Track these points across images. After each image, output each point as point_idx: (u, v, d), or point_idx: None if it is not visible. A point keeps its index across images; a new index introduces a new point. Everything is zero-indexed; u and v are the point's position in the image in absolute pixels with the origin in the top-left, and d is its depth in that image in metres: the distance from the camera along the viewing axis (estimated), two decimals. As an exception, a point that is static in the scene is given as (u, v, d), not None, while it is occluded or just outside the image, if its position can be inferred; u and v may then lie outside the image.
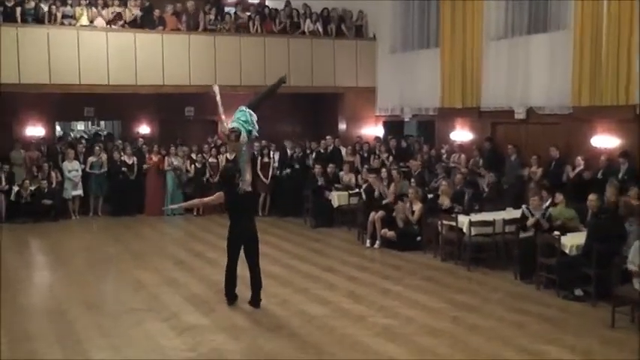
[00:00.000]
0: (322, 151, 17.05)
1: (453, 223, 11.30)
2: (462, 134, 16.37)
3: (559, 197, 10.52)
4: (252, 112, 8.62)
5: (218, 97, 8.83)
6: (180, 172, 16.69)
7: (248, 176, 8.50)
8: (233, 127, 8.30)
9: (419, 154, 16.08)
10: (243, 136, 8.27)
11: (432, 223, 12.09)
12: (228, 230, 8.75)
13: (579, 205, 10.38)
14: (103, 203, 16.72)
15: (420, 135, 18.48)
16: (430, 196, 13.16)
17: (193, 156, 17.06)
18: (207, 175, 16.55)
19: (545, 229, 10.03)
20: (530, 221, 10.25)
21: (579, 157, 12.55)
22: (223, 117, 8.65)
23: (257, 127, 8.59)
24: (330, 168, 15.70)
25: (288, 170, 16.44)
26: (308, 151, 17.26)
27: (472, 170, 14.51)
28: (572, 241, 9.35)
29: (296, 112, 20.47)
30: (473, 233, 10.91)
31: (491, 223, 10.96)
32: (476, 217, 11.32)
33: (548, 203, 10.68)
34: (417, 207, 12.50)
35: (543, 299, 9.19)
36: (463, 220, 11.12)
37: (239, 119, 8.50)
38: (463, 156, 15.26)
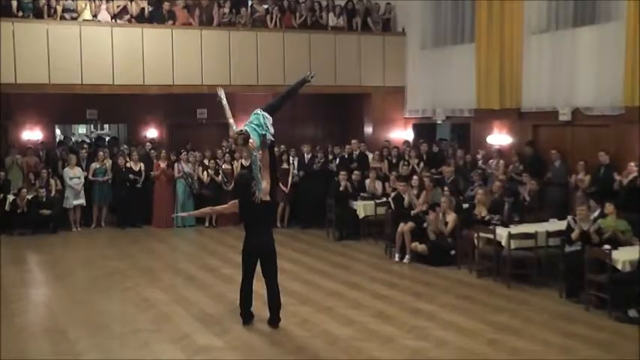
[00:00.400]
0: (347, 156, 17.09)
1: (491, 236, 11.28)
2: (500, 138, 16.31)
3: (609, 207, 10.43)
4: (266, 115, 8.61)
5: (224, 102, 8.87)
6: (191, 179, 16.78)
7: (265, 184, 8.46)
8: (241, 130, 8.28)
9: (452, 159, 16.06)
10: (253, 140, 8.21)
11: (467, 236, 12.06)
12: (243, 243, 8.75)
13: (632, 215, 10.30)
14: (107, 214, 16.84)
15: (453, 139, 18.46)
16: (465, 205, 13.14)
17: (206, 162, 17.17)
18: (221, 182, 16.64)
19: (594, 242, 9.93)
20: (577, 233, 10.13)
21: (632, 164, 12.33)
22: (231, 120, 8.69)
23: (272, 130, 8.53)
24: (356, 175, 15.68)
25: (301, 173, 16.62)
26: (331, 157, 17.31)
27: (511, 177, 14.45)
28: (625, 255, 9.28)
29: (318, 114, 20.50)
30: (513, 247, 10.86)
31: (533, 236, 10.89)
32: (516, 228, 11.27)
33: (597, 214, 10.59)
34: (451, 218, 12.44)
35: (593, 321, 9.11)
36: (502, 233, 11.10)
37: (251, 123, 8.51)
38: (501, 162, 15.18)
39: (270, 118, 8.61)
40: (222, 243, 14.76)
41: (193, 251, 14.35)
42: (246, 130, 8.30)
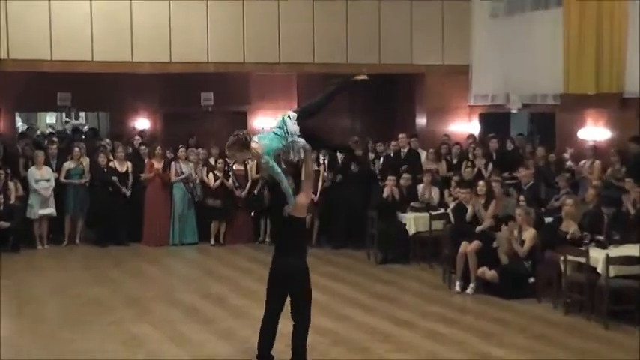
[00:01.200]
0: (393, 155, 17.18)
1: (583, 259, 11.15)
2: (595, 132, 16.24)
3: None
4: (291, 117, 8.54)
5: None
6: (193, 184, 16.92)
7: (303, 199, 8.50)
8: (236, 133, 8.44)
9: (531, 159, 16.05)
10: (259, 145, 8.21)
11: (550, 259, 11.95)
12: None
13: None
14: (84, 227, 16.95)
15: (532, 133, 18.55)
16: (548, 219, 13.04)
17: (212, 162, 17.27)
18: (232, 187, 16.82)
19: None
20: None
21: None
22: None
23: (295, 138, 8.48)
24: (405, 179, 15.72)
25: (338, 177, 16.63)
26: (372, 156, 17.38)
27: (610, 183, 14.31)
28: None
29: (356, 101, 20.44)
30: (612, 274, 10.69)
31: (639, 260, 10.74)
32: (616, 250, 11.13)
33: None
34: (529, 235, 12.35)
35: None
36: (597, 255, 10.96)
37: (275, 128, 8.56)
38: (597, 163, 15.13)
39: (293, 125, 8.49)
40: (231, 266, 14.85)
41: (195, 276, 14.43)
42: (243, 133, 8.43)
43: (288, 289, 8.56)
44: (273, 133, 8.41)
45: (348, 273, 14.33)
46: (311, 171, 8.73)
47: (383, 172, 16.33)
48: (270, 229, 16.13)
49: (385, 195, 15.33)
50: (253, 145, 8.24)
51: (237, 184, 16.86)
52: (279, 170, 8.33)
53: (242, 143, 8.31)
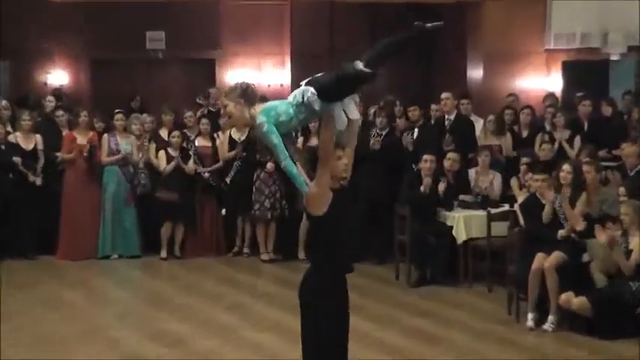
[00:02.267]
0: (433, 124, 17.18)
1: None
2: None
3: None
4: (311, 94, 8.52)
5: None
6: (134, 167, 17.08)
7: (314, 188, 8.38)
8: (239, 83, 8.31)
9: (640, 131, 15.98)
10: (260, 121, 8.18)
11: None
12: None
13: None
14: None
15: (642, 90, 18.36)
16: (666, 221, 13.03)
17: (163, 134, 17.41)
18: (194, 171, 16.97)
19: None
20: None
21: None
22: None
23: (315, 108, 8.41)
24: (450, 160, 15.69)
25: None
26: (402, 124, 17.56)
27: None
28: None
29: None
30: None
31: None
32: None
33: None
34: (638, 243, 12.30)
35: None
36: None
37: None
38: None
39: (314, 99, 8.45)
40: (193, 289, 14.97)
41: (137, 306, 14.46)
42: (245, 84, 8.24)
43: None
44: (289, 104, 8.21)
45: (368, 300, 14.23)
46: (329, 147, 8.24)
47: (417, 150, 16.35)
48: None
49: (423, 187, 15.29)
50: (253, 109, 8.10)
51: (200, 167, 17.05)
52: (276, 140, 8.18)
53: (244, 92, 8.10)
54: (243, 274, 15.96)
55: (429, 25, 8.69)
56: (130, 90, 19.20)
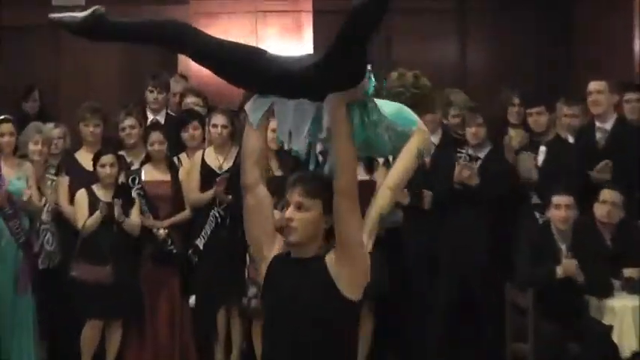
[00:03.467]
0: (576, 137, 13.67)
1: None
2: None
3: None
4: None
5: None
6: (31, 220, 13.11)
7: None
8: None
9: None
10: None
11: None
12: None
13: None
14: None
15: None
16: None
17: (83, 160, 13.35)
18: (136, 221, 13.25)
19: None
20: None
21: None
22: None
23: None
24: (608, 205, 12.82)
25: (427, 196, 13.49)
26: (514, 139, 14.31)
27: None
28: None
29: (469, 20, 18.45)
30: None
31: None
32: None
33: None
34: None
35: None
36: None
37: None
38: None
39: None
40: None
41: None
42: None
43: None
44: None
45: None
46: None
47: (544, 185, 12.56)
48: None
49: (565, 261, 11.65)
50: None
51: (151, 222, 12.60)
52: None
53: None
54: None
55: None
56: (22, 80, 15.20)
